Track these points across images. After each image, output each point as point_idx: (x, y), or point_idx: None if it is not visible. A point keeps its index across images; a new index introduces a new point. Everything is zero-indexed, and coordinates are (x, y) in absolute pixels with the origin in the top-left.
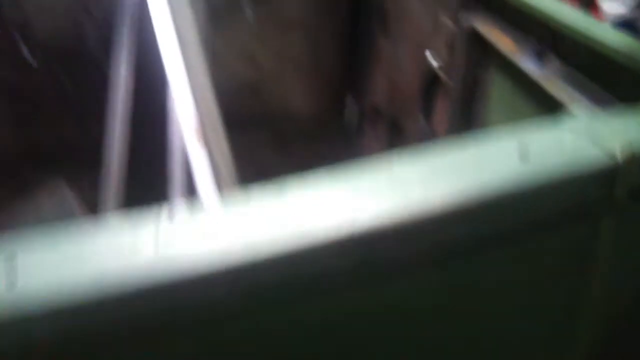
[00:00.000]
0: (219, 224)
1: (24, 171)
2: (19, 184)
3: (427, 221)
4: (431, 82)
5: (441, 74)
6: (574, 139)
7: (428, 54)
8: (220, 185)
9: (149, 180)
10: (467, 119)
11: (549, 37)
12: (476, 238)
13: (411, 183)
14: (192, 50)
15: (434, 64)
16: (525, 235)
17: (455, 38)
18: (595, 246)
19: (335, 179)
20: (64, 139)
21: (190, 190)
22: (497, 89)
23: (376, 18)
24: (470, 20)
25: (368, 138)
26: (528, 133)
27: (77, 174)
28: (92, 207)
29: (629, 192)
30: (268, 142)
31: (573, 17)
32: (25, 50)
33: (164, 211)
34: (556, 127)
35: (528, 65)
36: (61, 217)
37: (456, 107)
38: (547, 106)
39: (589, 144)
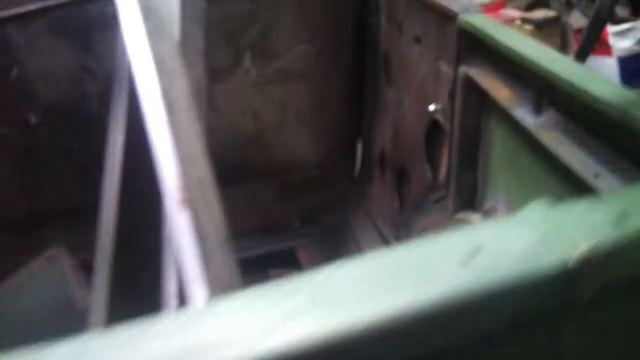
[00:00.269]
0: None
1: (27, 232)
2: (22, 246)
3: (350, 345)
4: (433, 130)
5: (442, 122)
6: (527, 238)
7: (431, 104)
8: (207, 262)
9: (142, 246)
10: (468, 168)
11: (545, 88)
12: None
13: (339, 299)
14: (182, 113)
15: (436, 112)
16: (471, 350)
17: (455, 87)
18: (557, 357)
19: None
20: (70, 198)
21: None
22: (497, 137)
23: (380, 66)
24: (468, 69)
25: (376, 186)
26: (479, 230)
27: (80, 235)
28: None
29: (591, 298)
30: (274, 193)
31: (567, 68)
32: (30, 113)
33: None
34: (512, 222)
35: (524, 115)
36: (55, 293)
37: (456, 155)
38: (545, 157)
39: (542, 244)
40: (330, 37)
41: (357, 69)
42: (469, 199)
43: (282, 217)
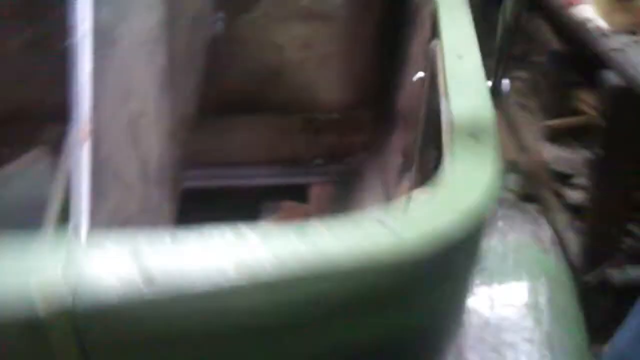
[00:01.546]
0: None
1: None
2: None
3: None
4: None
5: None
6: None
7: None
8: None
9: None
10: (430, 144)
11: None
12: None
13: None
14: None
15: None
16: None
17: None
18: None
19: None
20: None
21: None
22: None
23: (411, 18)
24: None
25: (394, 142)
26: None
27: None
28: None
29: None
30: (295, 129)
31: None
32: None
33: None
34: None
35: None
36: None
37: (421, 131)
38: None
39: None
40: None
41: (387, 19)
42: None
43: (301, 153)
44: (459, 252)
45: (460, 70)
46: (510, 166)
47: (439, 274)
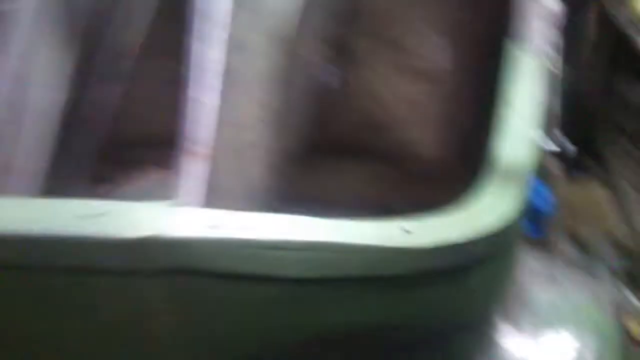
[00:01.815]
0: None
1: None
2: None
3: None
4: None
5: None
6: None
7: None
8: None
9: None
10: None
11: None
12: None
13: None
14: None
15: None
16: None
17: None
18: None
19: None
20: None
21: None
22: None
23: None
24: None
25: None
26: None
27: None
28: None
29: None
30: (388, 177)
31: None
32: None
33: None
34: None
35: None
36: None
37: None
38: None
39: None
40: (470, 41)
41: (495, 83)
42: None
43: (393, 203)
44: (464, 260)
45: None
46: (616, 245)
47: (439, 275)
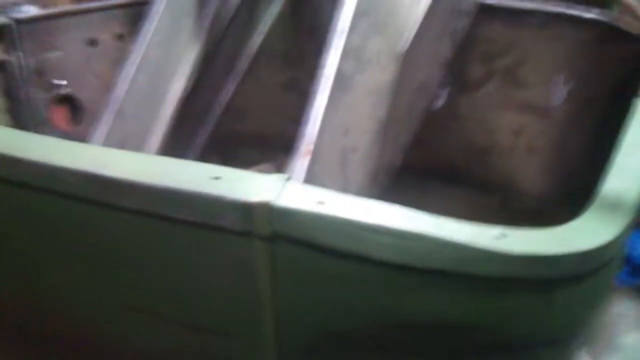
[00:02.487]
0: None
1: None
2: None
3: None
4: None
5: None
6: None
7: None
8: None
9: None
10: None
11: None
12: None
13: None
14: (358, 93)
15: None
16: None
17: None
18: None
19: None
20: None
21: None
22: None
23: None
24: None
25: None
26: None
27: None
28: None
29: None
30: (490, 210)
31: None
32: None
33: None
34: None
35: None
36: None
37: None
38: None
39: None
40: (586, 81)
41: (608, 116)
42: None
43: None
44: (551, 274)
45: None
46: None
47: (525, 283)
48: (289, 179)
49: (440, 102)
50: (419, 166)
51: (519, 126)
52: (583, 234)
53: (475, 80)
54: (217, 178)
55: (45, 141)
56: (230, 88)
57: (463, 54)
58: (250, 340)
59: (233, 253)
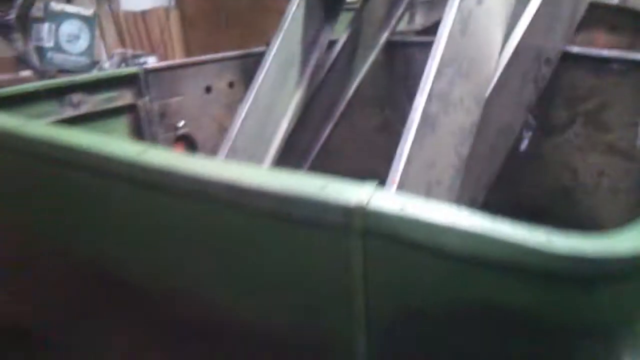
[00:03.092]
0: None
1: None
2: None
3: None
4: None
5: None
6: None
7: None
8: None
9: None
10: None
11: None
12: None
13: None
14: (442, 130)
15: None
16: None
17: None
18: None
19: None
20: None
21: None
22: None
23: None
24: None
25: None
26: None
27: None
28: None
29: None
30: None
31: None
32: None
33: None
34: None
35: None
36: None
37: None
38: None
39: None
40: None
41: None
42: None
43: None
44: (594, 274)
45: None
46: None
47: (570, 280)
48: (379, 186)
49: (524, 144)
50: (502, 205)
51: (602, 167)
52: (628, 237)
53: (559, 123)
54: (324, 187)
55: (196, 160)
56: (327, 130)
57: (547, 98)
58: (343, 317)
59: (334, 245)
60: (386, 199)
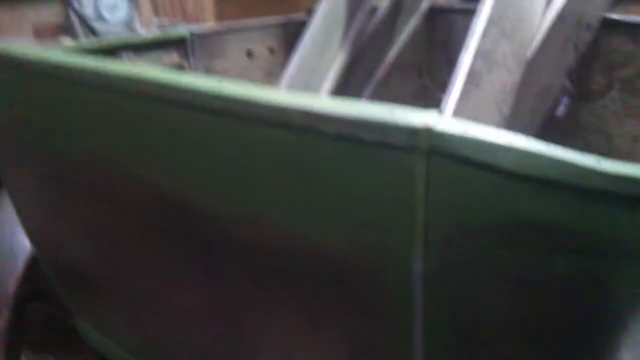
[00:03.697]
0: None
1: None
2: None
3: None
4: None
5: None
6: None
7: None
8: None
9: None
10: None
11: None
12: None
13: None
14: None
15: None
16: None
17: None
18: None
19: None
20: None
21: None
22: None
23: None
24: None
25: None
26: None
27: None
28: None
29: (427, 150)
30: None
31: None
32: None
33: None
34: None
35: None
36: None
37: None
38: None
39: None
40: None
41: None
42: None
43: None
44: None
45: None
46: None
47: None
48: (441, 114)
49: (561, 110)
50: None
51: (637, 133)
52: None
53: (596, 89)
54: (392, 112)
55: (274, 91)
56: (366, 95)
57: (585, 64)
58: (404, 235)
59: (401, 165)
60: (450, 122)
